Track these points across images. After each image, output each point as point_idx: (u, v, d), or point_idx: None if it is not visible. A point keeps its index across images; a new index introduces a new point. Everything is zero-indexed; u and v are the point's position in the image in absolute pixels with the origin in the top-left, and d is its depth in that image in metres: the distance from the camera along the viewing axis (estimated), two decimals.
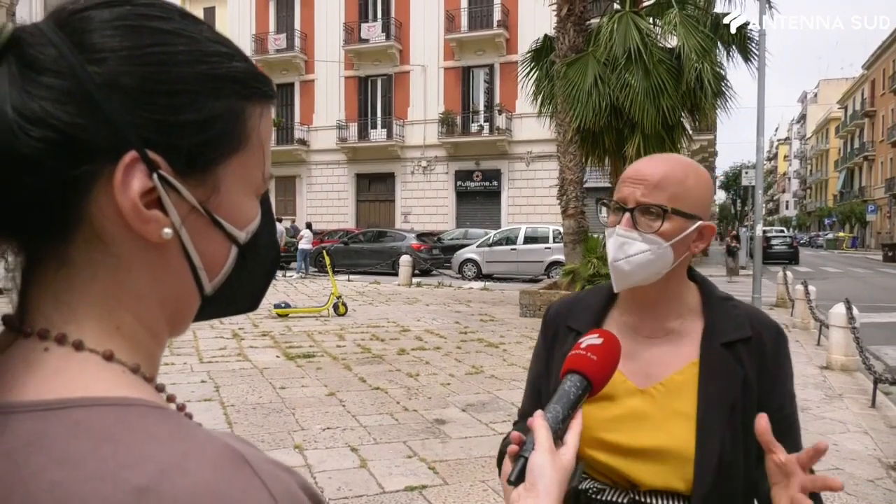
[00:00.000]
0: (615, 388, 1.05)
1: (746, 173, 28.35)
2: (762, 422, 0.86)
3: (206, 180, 0.46)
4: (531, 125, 21.96)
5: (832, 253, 41.49)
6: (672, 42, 10.10)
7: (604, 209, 1.15)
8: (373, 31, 27.52)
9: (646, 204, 1.05)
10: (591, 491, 1.08)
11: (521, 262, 17.74)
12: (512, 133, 25.52)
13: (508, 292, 14.17)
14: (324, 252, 14.25)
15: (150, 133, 0.42)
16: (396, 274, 16.83)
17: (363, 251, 19.60)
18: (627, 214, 1.06)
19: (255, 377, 6.31)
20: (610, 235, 1.09)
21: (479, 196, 26.71)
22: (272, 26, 29.58)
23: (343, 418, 5.04)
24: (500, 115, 25.61)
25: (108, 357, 0.43)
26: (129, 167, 0.41)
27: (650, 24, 10.19)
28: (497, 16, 25.66)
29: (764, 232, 13.02)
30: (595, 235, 11.45)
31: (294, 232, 20.98)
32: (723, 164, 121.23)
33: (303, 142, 28.88)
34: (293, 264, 18.87)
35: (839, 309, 7.01)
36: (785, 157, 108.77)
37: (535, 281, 15.97)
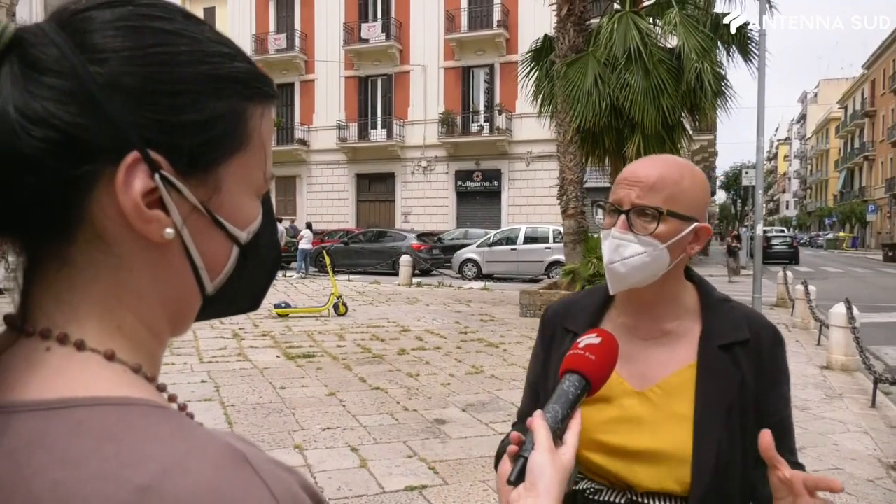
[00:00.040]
0: (612, 390, 1.05)
1: (746, 173, 28.37)
2: (766, 438, 0.86)
3: (208, 180, 0.46)
4: (531, 125, 21.96)
5: (832, 253, 41.49)
6: (672, 42, 10.11)
7: (599, 211, 1.15)
8: (373, 31, 27.53)
9: (641, 206, 1.04)
10: (588, 491, 1.08)
11: (521, 262, 17.74)
12: (512, 133, 25.52)
13: (508, 292, 14.17)
14: (324, 252, 14.25)
15: (151, 133, 0.42)
16: (396, 274, 16.83)
17: (363, 251, 19.60)
18: (623, 216, 1.06)
19: (255, 377, 6.31)
20: (605, 238, 1.09)
21: (479, 196, 26.71)
22: (272, 26, 29.58)
23: (343, 418, 5.04)
24: (500, 115, 25.61)
25: (110, 357, 0.43)
26: (131, 167, 0.41)
27: (650, 24, 10.19)
28: (497, 16, 25.66)
29: (764, 232, 13.02)
30: (595, 235, 11.44)
31: (294, 232, 20.98)
32: (723, 164, 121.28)
33: (303, 142, 28.89)
34: (293, 264, 18.86)
35: (839, 309, 7.01)
36: (785, 157, 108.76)
37: (535, 281, 15.97)
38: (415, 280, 16.56)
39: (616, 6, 10.94)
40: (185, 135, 0.44)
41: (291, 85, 29.20)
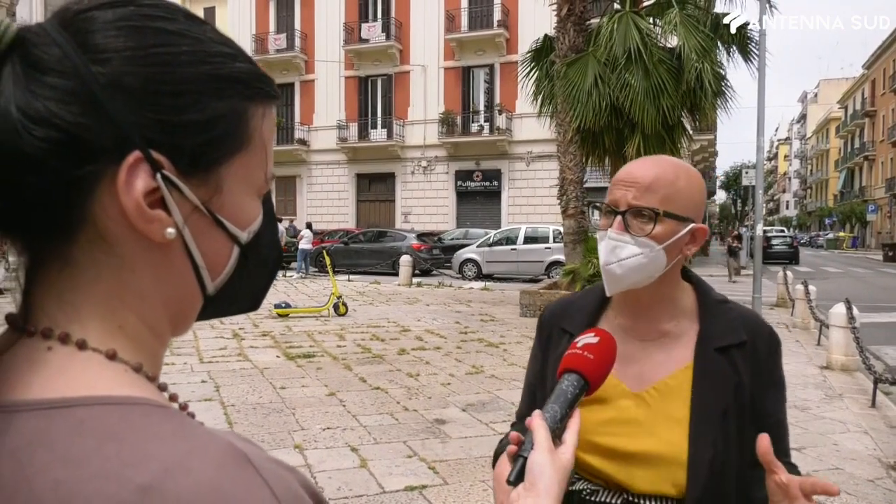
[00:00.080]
0: (608, 392, 1.05)
1: (747, 173, 28.35)
2: (764, 442, 0.86)
3: (209, 180, 0.46)
4: (531, 125, 21.95)
5: (832, 253, 41.48)
6: (672, 42, 10.10)
7: (596, 212, 1.14)
8: (373, 31, 27.52)
9: (637, 207, 1.04)
10: (584, 492, 1.08)
11: (521, 262, 17.73)
12: (512, 133, 25.52)
13: (509, 292, 14.17)
14: (324, 252, 14.25)
15: (153, 133, 0.42)
16: (397, 274, 16.82)
17: (363, 251, 19.59)
18: (619, 217, 1.05)
19: (255, 377, 6.31)
20: (601, 239, 1.09)
21: (479, 196, 26.71)
22: (272, 26, 29.58)
23: (343, 418, 5.04)
24: (500, 115, 25.61)
25: (111, 356, 0.43)
26: (133, 167, 0.42)
27: (650, 24, 10.19)
28: (497, 16, 25.65)
29: (764, 232, 13.01)
30: (595, 235, 11.44)
31: (294, 232, 20.98)
32: (723, 164, 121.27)
33: (303, 142, 28.88)
34: (293, 264, 18.86)
35: (839, 309, 7.02)
36: (785, 156, 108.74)
37: (535, 281, 15.97)
38: (415, 280, 16.56)
39: (616, 6, 10.94)
40: (187, 135, 0.44)
41: (291, 85, 29.19)
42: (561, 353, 1.09)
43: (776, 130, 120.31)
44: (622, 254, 1.05)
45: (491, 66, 26.17)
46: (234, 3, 30.11)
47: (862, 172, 54.89)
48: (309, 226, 19.38)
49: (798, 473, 1.06)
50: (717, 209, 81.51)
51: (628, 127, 9.88)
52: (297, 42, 29.03)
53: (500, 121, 25.61)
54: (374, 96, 28.25)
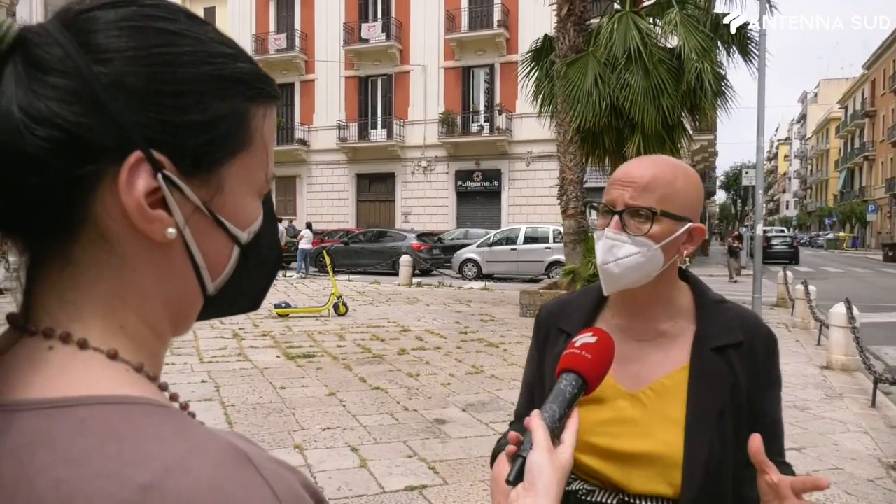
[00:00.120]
0: (604, 392, 1.05)
1: (747, 173, 28.36)
2: (756, 442, 0.87)
3: (210, 180, 0.46)
4: (531, 125, 21.95)
5: (832, 253, 41.48)
6: (672, 42, 10.10)
7: (593, 212, 1.15)
8: (373, 31, 27.52)
9: (635, 206, 1.04)
10: (580, 492, 1.09)
11: (521, 262, 17.73)
12: (512, 133, 25.51)
13: (509, 292, 14.17)
14: (324, 252, 14.26)
15: (155, 133, 0.42)
16: (397, 274, 16.82)
17: (363, 251, 19.59)
18: (616, 217, 1.05)
19: (255, 377, 6.31)
20: (599, 238, 1.09)
21: (479, 196, 26.71)
22: (272, 26, 29.58)
23: (343, 418, 5.04)
24: (500, 115, 25.60)
25: (113, 356, 0.43)
26: (135, 167, 0.42)
27: (650, 24, 10.19)
28: (497, 16, 25.65)
29: (764, 232, 13.02)
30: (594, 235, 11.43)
31: (294, 232, 20.98)
32: (723, 164, 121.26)
33: (303, 142, 28.88)
34: (293, 264, 18.86)
35: (839, 309, 7.02)
36: (785, 156, 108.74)
37: (535, 281, 15.97)
38: (415, 280, 16.56)
39: (616, 6, 10.93)
40: (189, 135, 0.44)
41: (291, 85, 29.19)
42: (558, 352, 1.09)
43: (776, 130, 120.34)
44: (619, 253, 1.05)
45: (491, 66, 26.17)
46: (234, 3, 30.11)
47: (862, 172, 54.89)
48: (309, 226, 19.38)
49: (792, 473, 1.06)
50: (717, 209, 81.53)
51: (628, 127, 9.88)
52: (297, 42, 29.03)
53: (500, 121, 25.61)
54: (374, 96, 28.25)
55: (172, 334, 0.50)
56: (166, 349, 0.50)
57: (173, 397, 0.48)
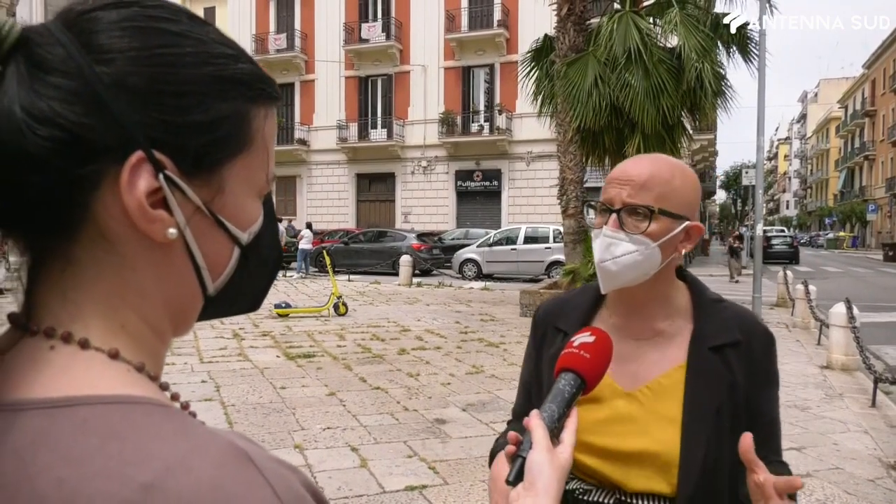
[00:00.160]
0: (601, 391, 1.05)
1: (747, 173, 28.34)
2: (746, 441, 0.87)
3: (212, 181, 0.46)
4: (531, 125, 21.95)
5: (832, 252, 41.48)
6: (672, 42, 10.10)
7: (591, 211, 1.15)
8: (373, 31, 27.52)
9: (632, 205, 1.04)
10: (577, 492, 1.09)
11: (521, 262, 17.74)
12: (512, 133, 25.51)
13: (509, 292, 14.17)
14: (324, 252, 14.26)
15: (156, 133, 0.43)
16: (397, 274, 16.82)
17: (363, 251, 19.60)
18: (614, 215, 1.06)
19: (255, 377, 6.31)
20: (596, 237, 1.09)
21: (479, 196, 26.71)
22: (272, 26, 29.58)
23: (343, 418, 5.05)
24: (500, 114, 25.60)
25: (114, 355, 0.43)
26: (136, 167, 0.42)
27: (650, 23, 10.19)
28: (497, 16, 25.65)
29: (764, 232, 13.02)
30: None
31: (293, 232, 20.98)
32: (723, 164, 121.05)
33: (303, 142, 28.89)
34: (293, 264, 18.87)
35: (839, 308, 7.02)
36: (785, 156, 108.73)
37: (535, 281, 15.97)
38: (415, 280, 16.56)
39: (616, 6, 10.93)
40: (190, 135, 0.44)
41: (291, 85, 29.19)
42: (555, 351, 1.09)
43: (776, 130, 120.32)
44: (617, 251, 1.05)
45: (491, 66, 26.17)
46: (234, 3, 30.11)
47: (862, 172, 54.89)
48: (309, 226, 19.38)
49: (789, 472, 1.06)
50: (717, 209, 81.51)
51: (628, 127, 9.88)
52: (297, 42, 29.03)
53: (500, 121, 25.60)
54: (374, 96, 28.25)
55: (173, 334, 0.50)
56: (167, 349, 0.50)
57: (174, 397, 0.48)
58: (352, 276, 18.08)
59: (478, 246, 18.64)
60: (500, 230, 19.90)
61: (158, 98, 0.42)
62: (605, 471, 1.06)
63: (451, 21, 26.27)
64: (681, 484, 1.00)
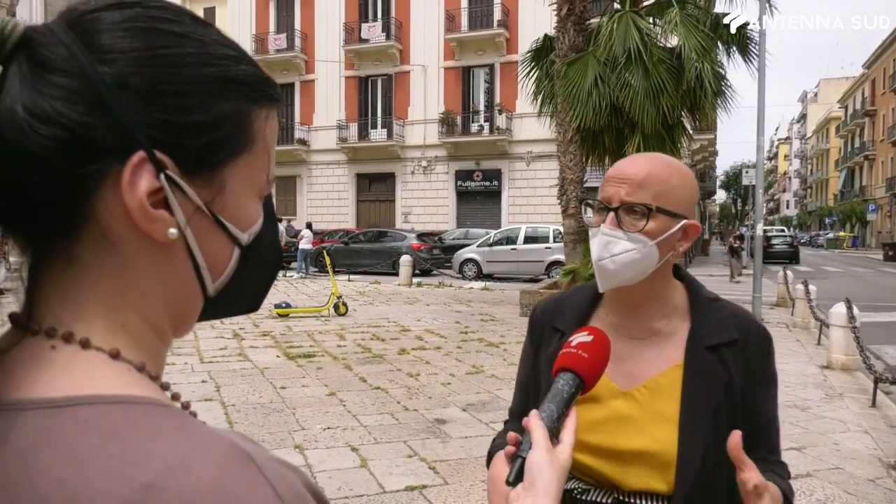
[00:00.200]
0: (599, 391, 1.05)
1: (747, 173, 28.33)
2: (735, 438, 0.88)
3: (212, 181, 0.46)
4: (531, 125, 21.95)
5: (833, 252, 41.48)
6: (672, 42, 10.10)
7: (589, 210, 1.15)
8: (373, 31, 27.52)
9: (630, 203, 1.04)
10: (575, 491, 1.09)
11: (521, 262, 17.74)
12: (512, 133, 25.51)
13: (509, 292, 14.17)
14: (324, 252, 14.26)
15: (158, 133, 0.43)
16: (397, 274, 16.82)
17: (363, 251, 19.60)
18: (612, 214, 1.06)
19: (255, 377, 6.31)
20: (594, 235, 1.09)
21: (479, 196, 26.71)
22: (272, 26, 29.58)
23: (343, 418, 5.05)
24: (500, 114, 25.61)
25: (115, 355, 0.43)
26: (137, 167, 0.42)
27: (650, 23, 10.18)
28: (497, 15, 25.65)
29: (764, 231, 13.02)
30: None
31: (293, 232, 20.98)
32: (723, 164, 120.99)
33: (303, 142, 28.89)
34: (293, 264, 18.87)
35: (839, 308, 7.02)
36: (785, 156, 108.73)
37: (535, 281, 15.97)
38: (415, 280, 16.56)
39: (616, 6, 10.93)
40: (192, 135, 0.44)
41: (291, 85, 29.20)
42: (552, 351, 1.09)
43: (776, 130, 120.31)
44: (615, 249, 1.05)
45: (491, 66, 26.17)
46: (234, 3, 30.10)
47: (862, 172, 54.88)
48: (309, 226, 19.38)
49: (787, 472, 1.07)
50: (718, 209, 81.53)
51: (628, 127, 9.88)
52: (297, 42, 29.03)
53: (500, 121, 25.61)
54: (374, 96, 28.25)
55: (174, 335, 0.50)
56: (168, 349, 0.50)
57: (175, 397, 0.48)
58: (352, 276, 18.08)
59: (478, 246, 18.65)
60: (500, 230, 19.91)
61: (160, 98, 0.43)
62: (602, 470, 1.06)
63: (451, 21, 26.27)
64: (678, 483, 1.01)
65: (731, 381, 1.05)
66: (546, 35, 12.21)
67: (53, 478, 0.36)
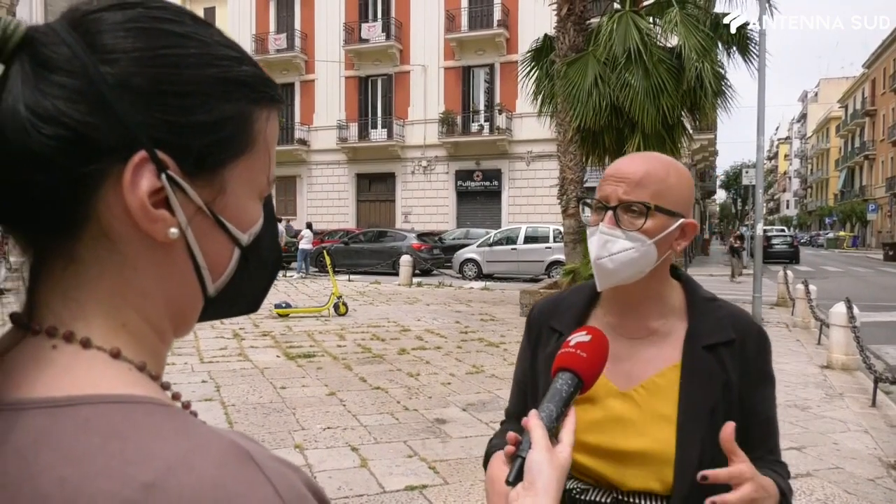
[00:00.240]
0: (596, 391, 1.05)
1: (747, 172, 28.36)
2: (727, 430, 0.88)
3: (213, 182, 0.46)
4: (531, 125, 21.95)
5: (833, 252, 41.47)
6: (672, 41, 10.10)
7: (587, 209, 1.15)
8: (373, 31, 27.52)
9: (628, 201, 1.04)
10: (574, 491, 1.09)
11: (521, 262, 17.74)
12: (512, 133, 25.51)
13: (509, 292, 14.17)
14: (324, 252, 14.26)
15: (160, 133, 0.43)
16: (397, 274, 16.82)
17: (363, 251, 19.60)
18: (610, 212, 1.06)
19: (255, 377, 6.31)
20: (592, 234, 1.09)
21: (479, 196, 26.71)
22: (272, 26, 29.58)
23: (343, 418, 5.05)
24: (500, 114, 25.60)
25: (115, 355, 0.43)
26: (139, 167, 0.42)
27: (650, 23, 10.19)
28: (497, 15, 25.65)
29: (764, 231, 13.02)
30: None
31: (293, 232, 20.98)
32: (723, 164, 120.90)
33: (303, 142, 28.89)
34: (293, 264, 18.87)
35: (840, 308, 7.02)
36: (785, 156, 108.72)
37: (535, 280, 15.97)
38: (415, 280, 16.56)
39: (616, 6, 10.93)
40: (193, 135, 0.44)
41: (291, 85, 29.19)
42: (550, 351, 1.09)
43: (776, 130, 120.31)
44: (613, 248, 1.05)
45: (491, 66, 26.17)
46: (234, 3, 30.10)
47: (862, 172, 54.87)
48: (309, 226, 19.37)
49: (787, 472, 1.07)
50: (718, 208, 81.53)
51: (628, 126, 9.88)
52: (297, 42, 29.03)
53: (500, 120, 25.61)
54: (374, 96, 28.25)
55: (174, 335, 0.50)
56: (168, 348, 0.50)
57: (175, 396, 0.48)
58: (352, 276, 18.08)
59: (478, 246, 18.65)
60: (500, 230, 19.91)
61: (162, 98, 0.43)
62: (601, 470, 1.06)
63: (451, 21, 26.26)
64: (676, 483, 1.01)
65: (729, 381, 1.05)
66: (546, 35, 12.21)
67: (54, 477, 0.37)
